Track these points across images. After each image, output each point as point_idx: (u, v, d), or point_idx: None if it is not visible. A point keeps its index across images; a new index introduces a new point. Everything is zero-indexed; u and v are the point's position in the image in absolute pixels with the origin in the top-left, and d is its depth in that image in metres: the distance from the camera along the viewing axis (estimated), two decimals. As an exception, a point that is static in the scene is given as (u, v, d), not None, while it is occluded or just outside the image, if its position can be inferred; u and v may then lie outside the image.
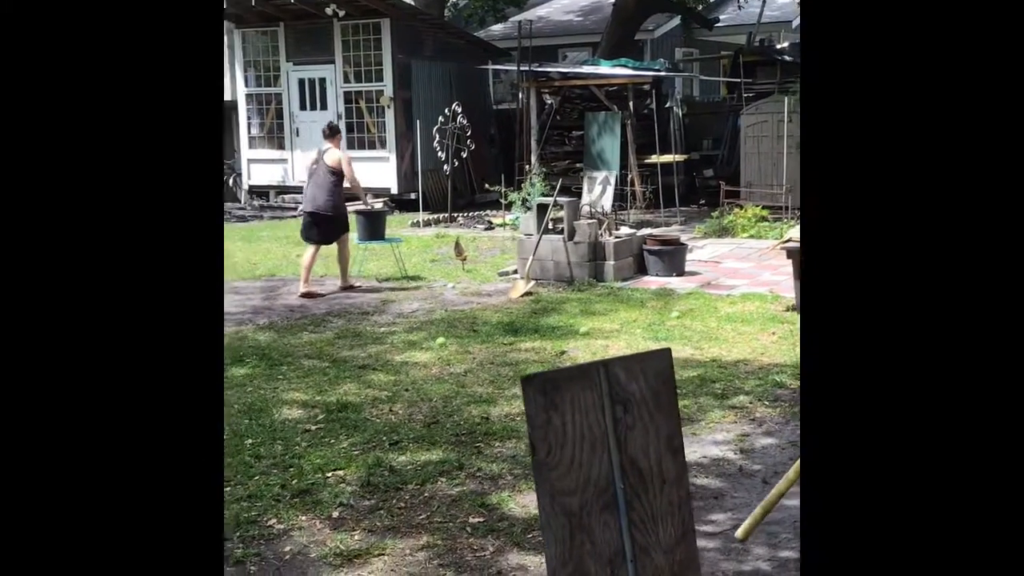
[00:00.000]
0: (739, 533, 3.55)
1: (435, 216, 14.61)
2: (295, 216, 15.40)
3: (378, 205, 14.95)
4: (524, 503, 4.21)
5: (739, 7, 21.18)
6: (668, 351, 2.10)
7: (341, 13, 15.65)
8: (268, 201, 17.26)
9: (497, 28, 22.01)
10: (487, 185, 14.29)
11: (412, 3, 18.16)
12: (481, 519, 4.07)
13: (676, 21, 21.00)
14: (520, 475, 4.53)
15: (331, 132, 9.40)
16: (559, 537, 1.94)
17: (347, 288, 9.30)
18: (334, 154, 9.13)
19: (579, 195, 13.77)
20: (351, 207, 10.17)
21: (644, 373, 1.99)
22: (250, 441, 5.06)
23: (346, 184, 9.20)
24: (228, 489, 4.43)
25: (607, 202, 13.93)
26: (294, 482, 4.47)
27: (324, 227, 9.08)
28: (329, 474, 4.58)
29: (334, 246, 9.30)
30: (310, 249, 9.12)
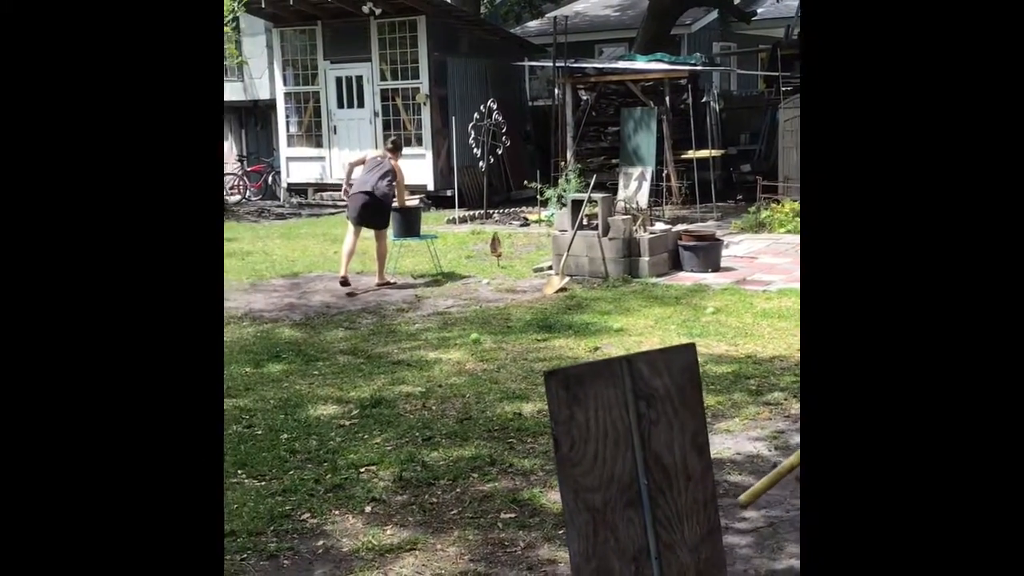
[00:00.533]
0: (742, 499, 3.54)
1: (471, 213, 14.64)
2: (333, 213, 15.51)
3: (413, 201, 15.06)
4: (555, 499, 4.20)
5: (776, 0, 20.97)
6: (693, 346, 2.09)
7: (378, 11, 15.71)
8: (306, 198, 17.40)
9: (533, 24, 21.99)
10: (525, 182, 14.29)
11: (448, 0, 18.21)
12: (512, 515, 4.07)
13: (713, 15, 20.85)
14: (552, 471, 4.52)
15: (395, 147, 9.78)
16: (583, 533, 1.94)
17: (383, 285, 9.37)
18: (397, 163, 9.55)
19: (615, 191, 13.73)
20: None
21: (668, 369, 1.99)
22: (285, 436, 5.11)
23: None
24: (263, 484, 4.48)
25: (643, 198, 13.87)
26: (328, 477, 4.51)
27: (376, 211, 9.26)
28: (362, 469, 4.62)
29: (372, 243, 9.39)
30: (351, 235, 9.31)
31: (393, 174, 9.36)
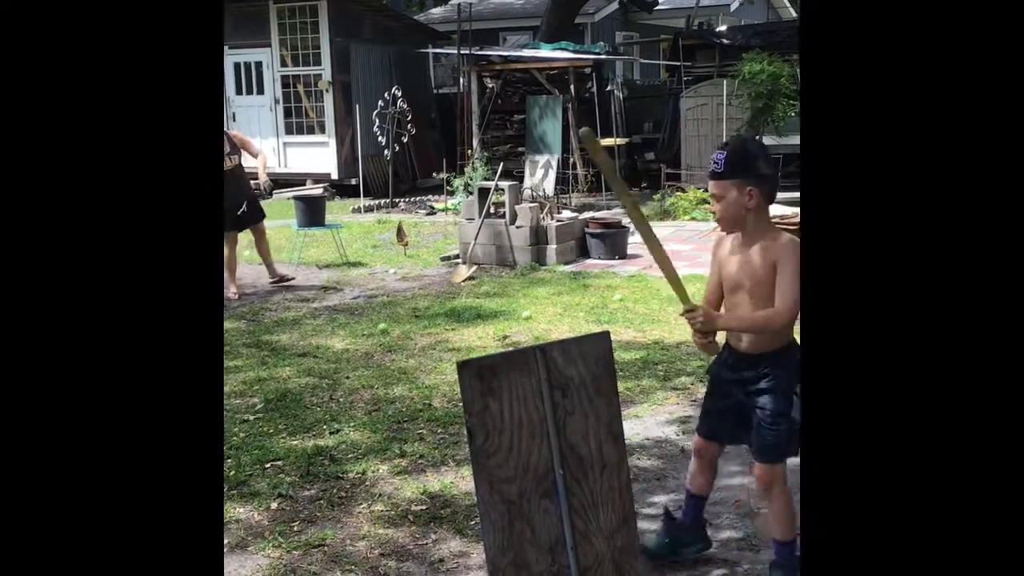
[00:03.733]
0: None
1: (376, 202, 14.47)
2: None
3: (316, 190, 14.80)
4: (467, 489, 4.17)
5: (678, -10, 21.29)
6: (607, 334, 2.07)
7: (277, -5, 15.39)
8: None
9: (437, 11, 21.84)
10: (434, 173, 14.17)
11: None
12: (423, 507, 4.02)
13: (615, 5, 21.04)
14: (463, 461, 4.48)
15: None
16: (498, 525, 1.90)
17: (231, 294, 8.31)
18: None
19: (521, 179, 13.74)
20: (290, 193, 10.02)
21: (583, 357, 1.96)
22: (186, 433, 4.94)
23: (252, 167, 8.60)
24: (163, 482, 4.32)
25: (549, 186, 13.92)
26: (231, 474, 4.38)
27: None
28: (268, 465, 4.50)
29: (270, 235, 9.07)
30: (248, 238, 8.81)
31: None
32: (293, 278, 8.88)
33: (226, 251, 8.31)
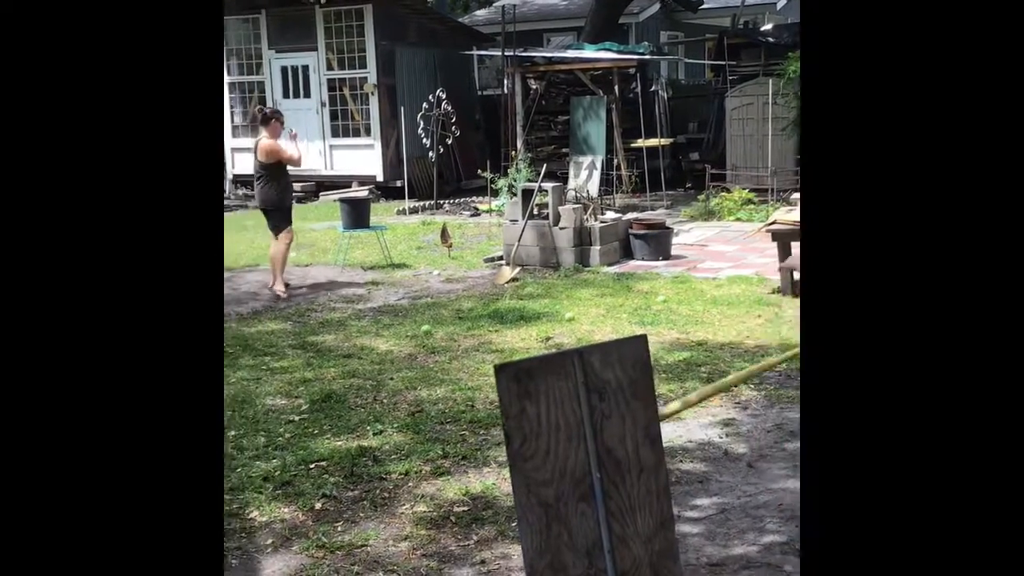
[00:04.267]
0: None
1: (421, 203, 14.55)
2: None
3: (361, 193, 14.92)
4: (509, 491, 4.17)
5: (723, -11, 21.11)
6: (644, 338, 2.07)
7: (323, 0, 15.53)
8: (252, 190, 17.14)
9: (481, 13, 21.88)
10: (479, 171, 14.21)
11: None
12: (466, 508, 4.04)
13: (659, 4, 20.91)
14: (505, 463, 4.47)
15: (264, 119, 8.55)
16: (536, 528, 1.91)
17: (277, 295, 8.48)
18: (263, 144, 8.46)
19: (565, 180, 13.72)
20: (336, 195, 10.13)
21: (620, 361, 1.96)
22: (232, 433, 5.02)
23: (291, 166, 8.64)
24: (210, 482, 4.39)
25: (593, 187, 13.88)
26: (277, 474, 4.43)
27: (269, 219, 8.68)
28: (312, 465, 4.55)
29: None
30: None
31: (264, 168, 8.40)
32: (283, 295, 8.53)
33: (283, 248, 8.47)
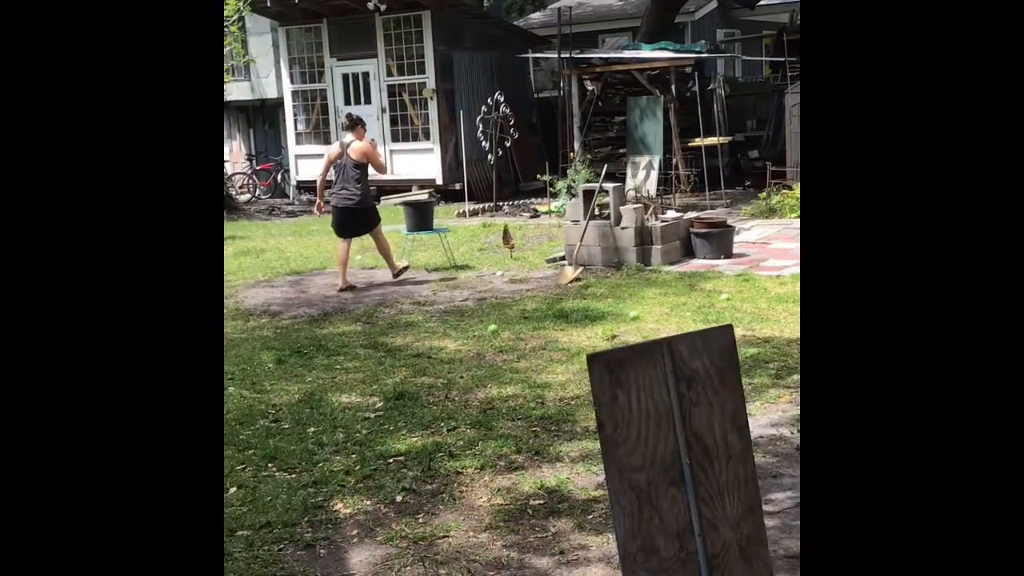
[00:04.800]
0: None
1: (480, 206, 14.70)
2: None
3: (423, 196, 15.12)
4: (583, 484, 4.27)
5: (781, -15, 20.93)
6: (730, 327, 2.14)
7: (383, 7, 15.76)
8: (316, 195, 17.46)
9: (536, 16, 21.99)
10: (537, 176, 14.37)
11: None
12: (541, 501, 4.14)
13: (715, 2, 20.82)
14: (577, 458, 4.59)
15: (352, 124, 9.31)
16: (628, 512, 2.00)
17: (399, 273, 9.37)
18: (358, 146, 9.15)
19: (623, 180, 13.76)
20: (397, 199, 10.34)
21: (707, 350, 2.04)
22: (312, 429, 5.18)
23: (376, 174, 9.34)
24: (294, 476, 4.55)
25: (651, 186, 13.91)
26: (357, 468, 4.58)
27: (358, 221, 9.20)
28: (390, 460, 4.68)
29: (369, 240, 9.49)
30: (344, 244, 9.21)
31: (357, 167, 9.06)
32: (408, 266, 9.58)
33: (383, 237, 9.23)
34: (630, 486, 1.99)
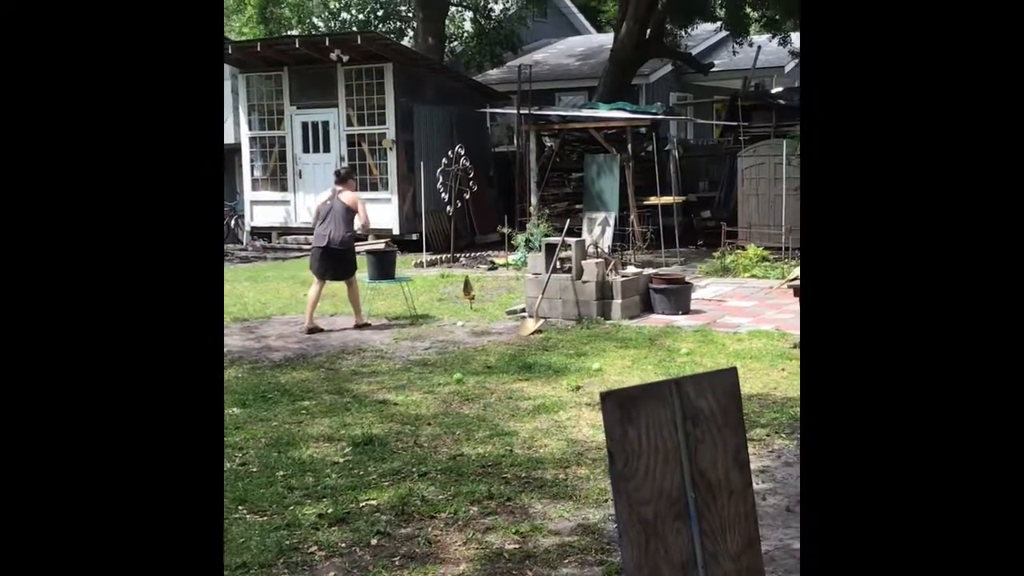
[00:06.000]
0: None
1: (438, 257, 14.79)
2: (298, 256, 15.54)
3: (380, 245, 15.17)
4: (554, 529, 4.32)
5: (733, 53, 21.63)
6: (735, 370, 2.25)
7: (345, 58, 15.94)
8: (270, 242, 17.41)
9: (495, 72, 22.38)
10: (497, 228, 14.56)
11: (414, 48, 18.49)
12: (516, 546, 4.17)
13: (669, 67, 21.42)
14: (548, 503, 4.64)
15: (342, 178, 9.75)
16: (636, 543, 2.07)
17: (362, 326, 9.44)
18: (349, 195, 9.48)
19: (579, 235, 13.97)
20: (360, 247, 10.39)
21: (713, 390, 2.14)
22: (281, 473, 5.16)
23: (359, 226, 9.50)
24: (265, 518, 4.53)
25: (607, 242, 14.13)
26: (330, 511, 4.57)
27: (338, 262, 9.32)
28: (363, 504, 4.68)
29: (341, 286, 9.53)
30: (316, 285, 9.39)
31: (349, 211, 9.34)
32: (372, 324, 9.59)
33: (356, 290, 9.40)
34: (638, 519, 2.07)
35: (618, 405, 2.06)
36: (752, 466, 5.15)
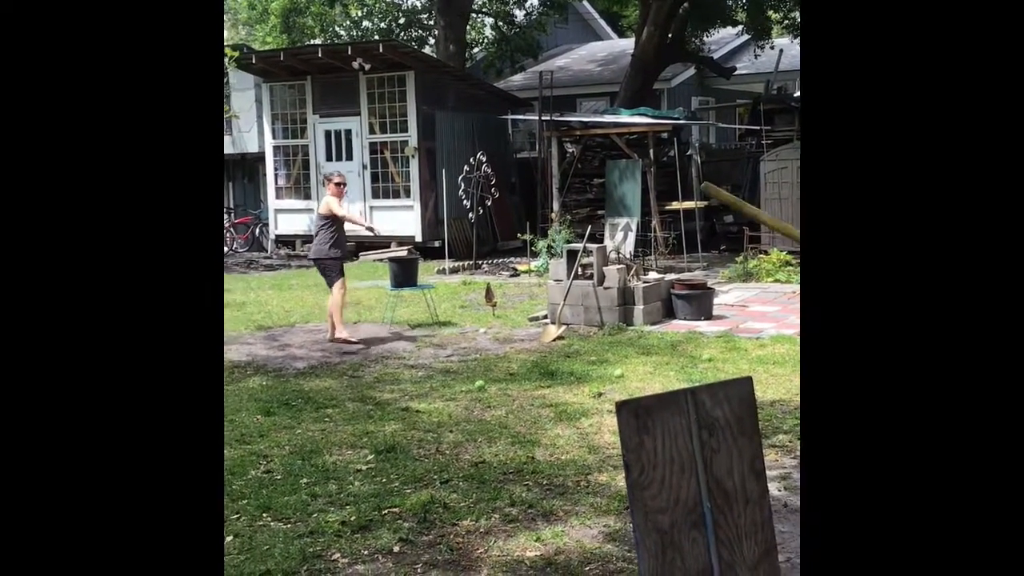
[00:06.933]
0: None
1: (460, 263, 14.84)
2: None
3: (403, 252, 15.25)
4: (577, 537, 4.33)
5: (755, 56, 21.56)
6: (750, 379, 2.26)
7: (367, 67, 16.04)
8: (294, 250, 17.54)
9: (516, 78, 22.43)
10: (518, 235, 14.63)
11: (435, 56, 18.58)
12: (538, 553, 4.19)
13: (692, 71, 21.39)
14: (571, 511, 4.65)
15: (326, 181, 9.50)
16: (652, 552, 2.08)
17: (337, 341, 9.07)
18: (323, 200, 9.33)
19: (601, 241, 13.98)
20: (383, 254, 10.43)
21: (728, 399, 2.15)
22: (305, 480, 5.20)
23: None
24: (289, 526, 4.57)
25: (629, 248, 14.13)
26: (353, 519, 4.61)
27: (320, 272, 9.38)
28: (385, 511, 4.72)
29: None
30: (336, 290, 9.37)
31: (323, 220, 9.09)
32: (352, 341, 9.10)
33: (339, 296, 8.83)
34: (654, 528, 2.08)
35: (633, 415, 2.08)
36: (774, 472, 5.16)
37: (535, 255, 13.85)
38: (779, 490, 4.90)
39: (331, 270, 9.17)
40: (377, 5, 24.35)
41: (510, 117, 17.75)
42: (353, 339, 9.10)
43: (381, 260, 11.42)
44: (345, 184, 9.48)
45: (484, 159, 14.81)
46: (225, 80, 17.57)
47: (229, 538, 4.42)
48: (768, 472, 5.14)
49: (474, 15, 23.67)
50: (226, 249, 18.40)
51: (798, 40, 20.28)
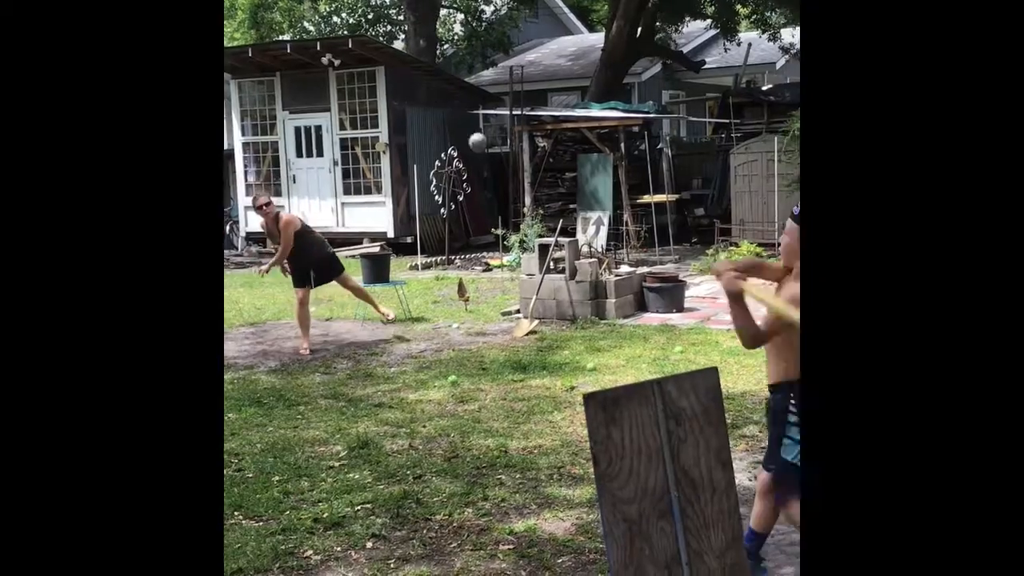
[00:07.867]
0: None
1: (432, 259, 14.83)
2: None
3: (375, 249, 15.21)
4: (550, 530, 4.35)
5: (725, 50, 21.68)
6: (715, 370, 2.28)
7: (337, 62, 15.96)
8: (265, 247, 17.42)
9: (487, 73, 22.41)
10: (491, 230, 14.61)
11: (405, 51, 18.53)
12: (511, 546, 4.20)
13: (660, 65, 21.48)
14: (543, 504, 4.67)
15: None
16: (621, 543, 2.10)
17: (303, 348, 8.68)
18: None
19: (573, 235, 14.01)
20: (354, 251, 10.41)
21: (695, 390, 2.17)
22: (277, 478, 5.19)
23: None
24: (261, 524, 4.56)
25: (602, 241, 14.18)
26: (325, 516, 4.60)
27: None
28: (358, 508, 4.71)
29: (336, 291, 9.49)
30: (343, 288, 9.43)
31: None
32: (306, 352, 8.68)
33: (299, 308, 8.69)
34: (623, 518, 2.10)
35: (601, 407, 2.10)
36: (743, 463, 5.21)
37: (507, 250, 13.87)
38: (749, 480, 4.95)
39: (296, 279, 8.84)
40: (346, 0, 24.24)
41: (481, 112, 17.74)
42: (305, 351, 8.61)
43: (353, 256, 11.41)
44: (267, 203, 8.79)
45: (456, 154, 14.79)
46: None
47: (201, 537, 4.40)
48: (737, 462, 5.21)
49: (444, 10, 23.62)
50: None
51: (765, 34, 20.41)
